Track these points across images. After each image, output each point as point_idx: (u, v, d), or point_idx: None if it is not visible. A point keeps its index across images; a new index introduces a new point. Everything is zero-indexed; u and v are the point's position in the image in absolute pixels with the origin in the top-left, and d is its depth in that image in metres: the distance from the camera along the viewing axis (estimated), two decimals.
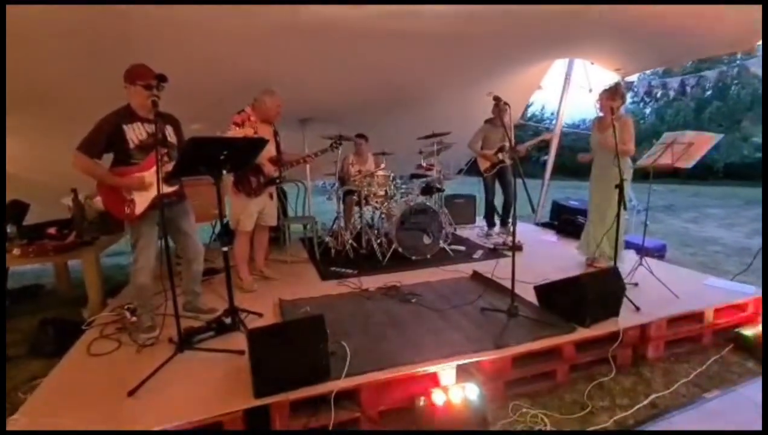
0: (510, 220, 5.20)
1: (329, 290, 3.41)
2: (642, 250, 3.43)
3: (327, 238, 4.72)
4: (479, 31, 3.55)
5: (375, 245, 4.31)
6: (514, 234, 2.82)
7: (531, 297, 2.92)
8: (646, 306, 2.78)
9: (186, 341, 2.34)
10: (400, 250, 4.10)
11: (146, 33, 2.89)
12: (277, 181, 3.48)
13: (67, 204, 3.55)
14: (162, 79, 2.36)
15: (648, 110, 20.89)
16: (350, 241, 4.47)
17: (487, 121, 5.06)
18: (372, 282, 3.52)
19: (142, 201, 2.45)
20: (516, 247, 2.90)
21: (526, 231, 5.49)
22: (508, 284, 2.82)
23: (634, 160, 3.59)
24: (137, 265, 2.52)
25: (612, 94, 3.43)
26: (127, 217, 2.48)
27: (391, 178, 4.61)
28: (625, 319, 2.64)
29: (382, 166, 4.77)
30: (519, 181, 2.74)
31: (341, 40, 3.42)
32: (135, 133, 2.43)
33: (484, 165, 5.19)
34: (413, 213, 4.15)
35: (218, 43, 3.24)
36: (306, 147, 5.12)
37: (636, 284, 3.16)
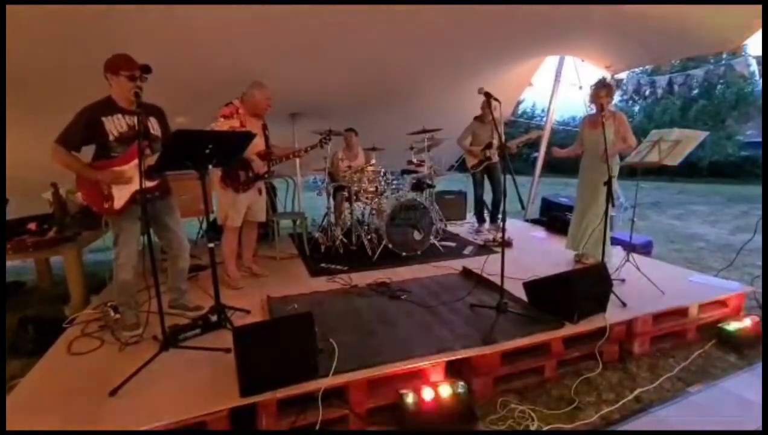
0: (499, 216, 5.23)
1: (318, 287, 3.38)
2: (629, 247, 3.46)
3: (317, 234, 4.69)
4: (471, 26, 3.54)
5: (365, 241, 4.29)
6: (503, 230, 2.82)
7: (520, 293, 2.93)
8: (633, 302, 2.81)
9: (171, 339, 2.29)
10: (390, 246, 4.08)
11: (131, 20, 2.82)
12: (266, 176, 3.43)
13: (48, 198, 3.46)
14: (146, 70, 2.30)
15: (637, 108, 21.19)
16: (340, 237, 4.44)
17: (476, 118, 5.07)
18: (362, 278, 3.50)
19: (121, 195, 2.39)
20: (505, 244, 2.90)
21: (515, 227, 5.51)
22: (497, 280, 2.82)
23: (621, 157, 3.62)
24: (119, 261, 2.47)
25: (605, 90, 3.45)
26: (106, 212, 2.43)
27: (381, 174, 4.58)
28: (612, 314, 2.66)
29: (372, 161, 4.73)
30: (509, 177, 2.73)
31: (332, 33, 3.38)
32: (115, 125, 2.37)
33: (470, 162, 5.21)
34: (403, 209, 4.14)
35: (206, 35, 3.18)
36: (296, 142, 5.07)
37: (623, 280, 3.19)
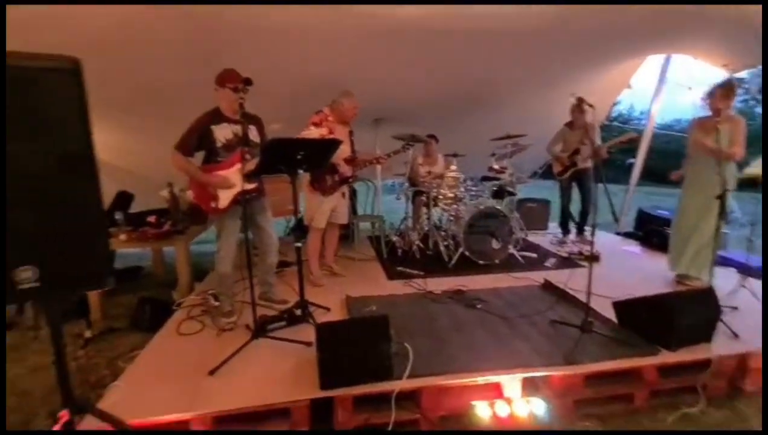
0: (588, 227, 4.90)
1: (395, 290, 3.46)
2: (744, 270, 3.04)
3: (394, 238, 4.78)
4: (566, 28, 3.37)
5: (442, 247, 4.28)
6: (592, 243, 2.65)
7: (608, 313, 2.73)
8: (747, 333, 2.47)
9: (260, 329, 2.52)
10: (467, 253, 4.04)
11: (235, 37, 3.14)
12: (351, 180, 3.59)
13: (164, 196, 3.97)
14: (248, 82, 2.54)
15: (759, 109, 18.40)
16: (417, 242, 4.49)
17: (567, 124, 4.83)
18: (437, 284, 3.51)
19: (225, 196, 2.67)
20: (593, 257, 2.71)
21: (605, 241, 5.12)
22: (582, 297, 2.67)
23: (740, 166, 3.19)
24: (220, 255, 2.76)
25: (726, 92, 3.07)
26: (212, 211, 2.73)
27: (461, 180, 4.55)
28: (720, 345, 2.37)
29: (453, 167, 4.71)
30: (600, 186, 2.56)
31: (417, 39, 3.43)
32: (222, 133, 2.66)
33: (557, 168, 4.98)
34: (483, 216, 4.06)
35: (298, 46, 3.42)
36: (377, 147, 5.21)
37: (735, 308, 2.81)
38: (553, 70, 4.49)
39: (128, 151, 4.65)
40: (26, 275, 1.25)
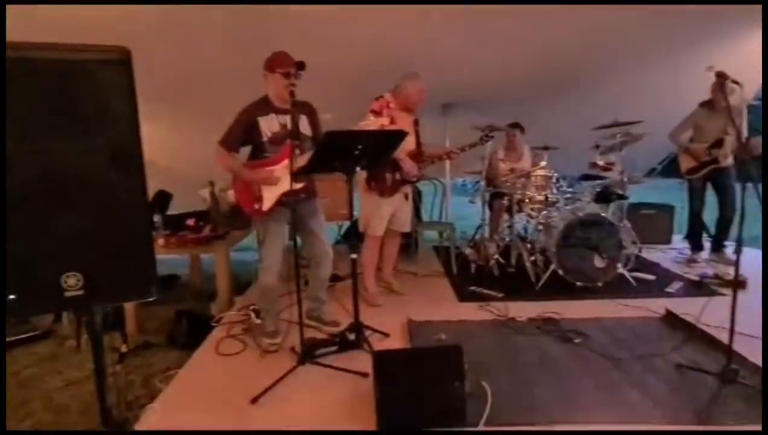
0: (728, 242, 4.54)
1: (467, 314, 3.42)
2: None
3: (467, 250, 4.73)
4: None
5: (527, 263, 4.17)
6: (737, 263, 2.41)
7: (760, 359, 2.48)
8: None
9: (308, 354, 2.58)
10: (560, 272, 3.88)
11: (283, 18, 3.28)
12: (416, 180, 3.59)
13: (204, 196, 4.24)
14: (300, 66, 2.63)
15: None
16: (496, 256, 4.40)
17: (702, 104, 4.48)
18: (521, 310, 3.41)
19: (269, 197, 2.78)
20: (737, 283, 2.47)
21: (754, 260, 4.64)
22: (722, 336, 2.46)
23: None
24: (263, 265, 2.87)
25: None
26: (255, 213, 2.85)
27: (553, 180, 4.42)
28: None
29: (542, 163, 4.57)
30: (748, 187, 2.33)
31: (497, 8, 3.38)
32: (268, 126, 2.77)
33: (687, 164, 4.66)
34: (581, 226, 3.89)
35: (357, 24, 3.49)
36: (447, 138, 5.19)
37: None
38: (681, 35, 4.19)
39: (168, 146, 5.02)
40: (73, 282, 1.39)
